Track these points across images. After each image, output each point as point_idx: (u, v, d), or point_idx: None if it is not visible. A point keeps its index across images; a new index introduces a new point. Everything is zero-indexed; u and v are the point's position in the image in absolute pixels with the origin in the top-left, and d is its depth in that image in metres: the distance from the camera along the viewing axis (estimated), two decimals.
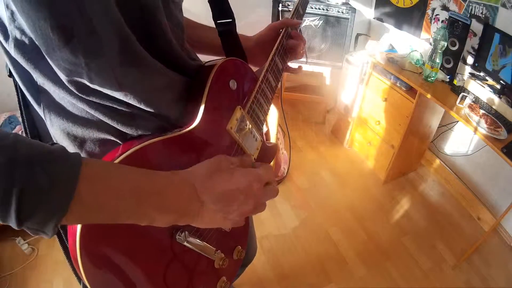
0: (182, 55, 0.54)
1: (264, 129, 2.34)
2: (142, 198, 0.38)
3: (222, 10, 0.63)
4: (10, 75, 0.46)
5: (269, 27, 0.76)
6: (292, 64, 0.83)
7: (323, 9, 2.18)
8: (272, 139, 1.95)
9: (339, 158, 2.45)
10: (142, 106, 0.47)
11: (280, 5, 2.14)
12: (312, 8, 2.17)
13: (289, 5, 2.15)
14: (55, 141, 0.48)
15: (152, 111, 0.48)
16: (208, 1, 0.62)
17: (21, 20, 0.37)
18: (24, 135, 0.49)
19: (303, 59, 0.80)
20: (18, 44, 0.40)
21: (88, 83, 0.42)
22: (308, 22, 2.22)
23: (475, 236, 1.92)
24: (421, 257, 1.81)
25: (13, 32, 0.39)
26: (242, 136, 0.60)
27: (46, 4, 0.35)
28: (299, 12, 0.79)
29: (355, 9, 2.18)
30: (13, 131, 1.82)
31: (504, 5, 1.66)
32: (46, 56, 0.39)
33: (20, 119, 0.52)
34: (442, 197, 2.20)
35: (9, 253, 1.66)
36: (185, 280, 0.56)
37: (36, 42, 0.38)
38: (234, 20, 0.64)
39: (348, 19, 2.18)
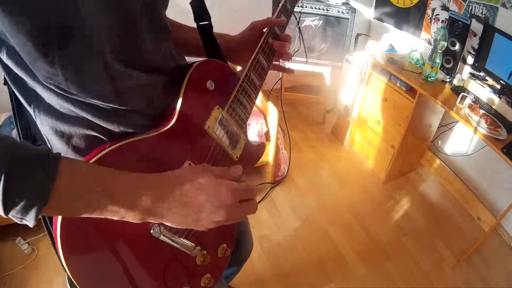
0: (157, 58, 0.55)
1: (264, 129, 2.33)
2: (113, 197, 0.42)
3: (200, 12, 0.65)
4: (5, 83, 0.50)
5: (251, 26, 0.75)
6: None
7: (323, 9, 2.18)
8: (272, 139, 1.95)
9: (339, 158, 2.45)
10: (118, 106, 0.50)
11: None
12: (312, 8, 2.17)
13: None
14: (45, 138, 0.53)
15: (129, 109, 0.52)
16: (190, 3, 0.64)
17: None
18: (17, 135, 0.54)
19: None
20: (8, 51, 0.43)
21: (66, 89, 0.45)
22: (308, 22, 2.22)
23: (475, 236, 1.92)
24: (421, 257, 1.81)
25: (5, 40, 0.42)
26: (221, 135, 0.62)
27: (25, 20, 0.37)
28: (287, 9, 0.77)
29: (355, 9, 2.18)
30: (13, 131, 1.82)
31: (504, 5, 1.66)
32: (28, 64, 0.42)
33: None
34: (442, 197, 2.20)
35: (9, 253, 1.66)
36: (167, 275, 0.56)
37: (19, 53, 0.41)
38: (210, 22, 0.66)
39: (348, 19, 2.18)
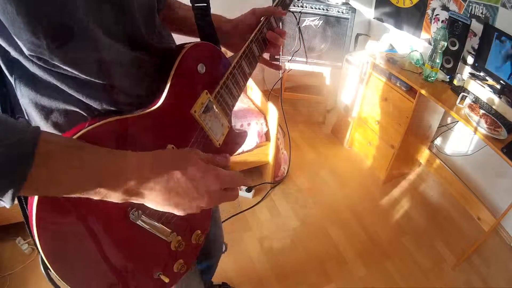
0: (144, 34, 0.54)
1: (264, 129, 2.33)
2: (97, 178, 0.40)
3: None
4: None
5: (251, 12, 0.74)
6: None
7: (323, 9, 2.18)
8: (272, 139, 1.95)
9: (339, 158, 2.45)
10: (102, 81, 0.48)
11: None
12: (312, 8, 2.17)
13: None
14: (24, 111, 0.50)
15: (114, 86, 0.50)
16: None
17: None
18: None
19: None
20: None
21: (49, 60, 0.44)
22: (308, 22, 2.22)
23: (475, 236, 1.92)
24: (421, 257, 1.81)
25: None
26: (207, 120, 0.61)
27: None
28: (286, 3, 0.77)
29: (355, 9, 2.18)
30: None
31: (504, 5, 1.66)
32: (13, 35, 0.41)
33: None
34: (442, 197, 2.20)
35: (9, 253, 1.66)
36: (140, 259, 0.57)
37: (4, 23, 0.40)
38: (209, 5, 0.65)
39: (348, 19, 2.18)
